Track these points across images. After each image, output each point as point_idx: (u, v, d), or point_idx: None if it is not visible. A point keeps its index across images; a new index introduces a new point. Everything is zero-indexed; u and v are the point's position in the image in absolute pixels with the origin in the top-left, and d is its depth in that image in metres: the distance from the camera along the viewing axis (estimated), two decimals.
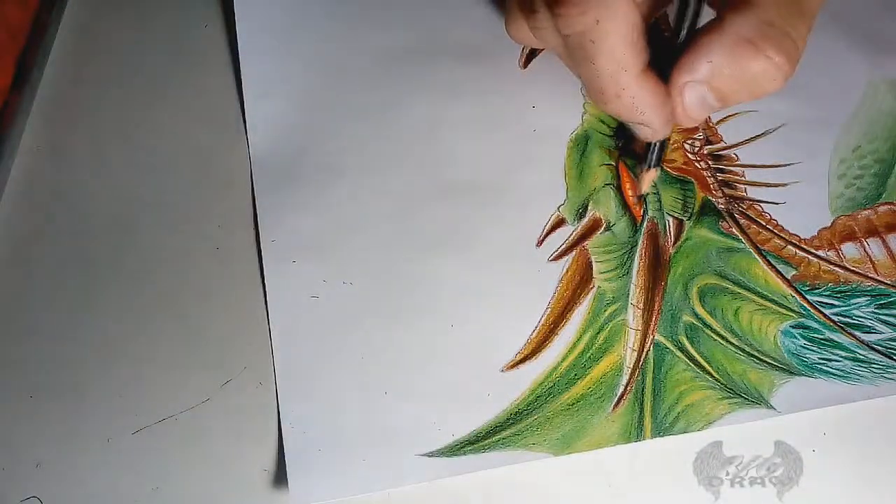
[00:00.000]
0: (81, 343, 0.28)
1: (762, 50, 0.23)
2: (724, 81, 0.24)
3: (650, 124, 0.26)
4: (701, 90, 0.25)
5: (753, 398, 0.27)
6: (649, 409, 0.27)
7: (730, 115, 0.32)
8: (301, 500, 0.25)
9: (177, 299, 0.29)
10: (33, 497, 0.26)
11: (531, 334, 0.28)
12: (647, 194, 0.31)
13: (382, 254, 0.29)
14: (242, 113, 0.32)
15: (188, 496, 0.26)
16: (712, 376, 0.28)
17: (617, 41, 0.24)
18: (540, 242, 0.30)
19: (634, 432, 0.27)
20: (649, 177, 0.29)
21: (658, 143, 0.28)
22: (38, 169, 0.31)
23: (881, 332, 0.28)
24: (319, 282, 0.29)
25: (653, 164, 0.29)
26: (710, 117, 0.32)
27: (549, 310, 0.28)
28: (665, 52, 0.25)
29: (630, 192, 0.30)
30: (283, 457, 0.26)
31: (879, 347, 0.28)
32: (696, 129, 0.32)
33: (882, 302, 0.29)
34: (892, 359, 0.28)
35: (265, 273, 0.29)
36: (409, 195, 0.30)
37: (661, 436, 0.27)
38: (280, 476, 0.26)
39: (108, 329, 0.28)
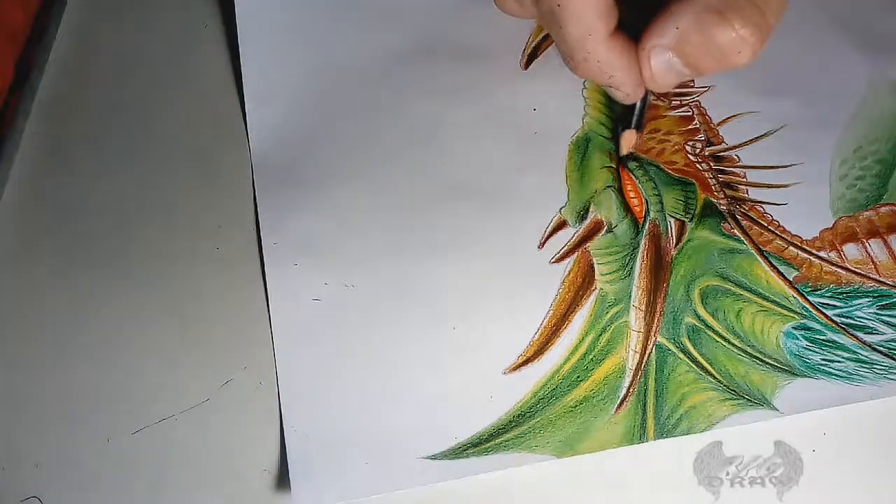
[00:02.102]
0: (81, 343, 0.28)
1: (728, 20, 0.23)
2: (690, 49, 0.24)
3: (621, 87, 0.27)
4: (667, 55, 0.25)
5: (756, 399, 0.27)
6: (652, 411, 0.27)
7: (731, 117, 0.32)
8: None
9: (177, 299, 0.29)
10: (33, 497, 0.26)
11: (533, 337, 0.28)
12: (628, 154, 0.31)
13: (384, 256, 0.29)
14: (243, 113, 0.32)
15: (188, 497, 0.26)
16: (715, 378, 0.27)
17: (582, 6, 0.24)
18: (542, 245, 0.30)
19: (637, 434, 0.27)
20: (627, 138, 0.30)
21: (638, 106, 0.29)
22: (38, 169, 0.31)
23: (883, 333, 0.28)
24: (321, 284, 0.29)
25: (632, 125, 0.29)
26: (710, 118, 0.32)
27: (551, 312, 0.28)
28: (642, 15, 0.25)
29: (631, 194, 0.30)
30: (285, 457, 0.26)
31: (881, 348, 0.28)
32: (697, 131, 0.32)
33: (884, 303, 0.29)
34: (894, 359, 0.28)
35: (267, 276, 0.29)
36: (411, 197, 0.30)
37: (664, 437, 0.27)
38: (282, 477, 0.26)
39: (107, 329, 0.28)
